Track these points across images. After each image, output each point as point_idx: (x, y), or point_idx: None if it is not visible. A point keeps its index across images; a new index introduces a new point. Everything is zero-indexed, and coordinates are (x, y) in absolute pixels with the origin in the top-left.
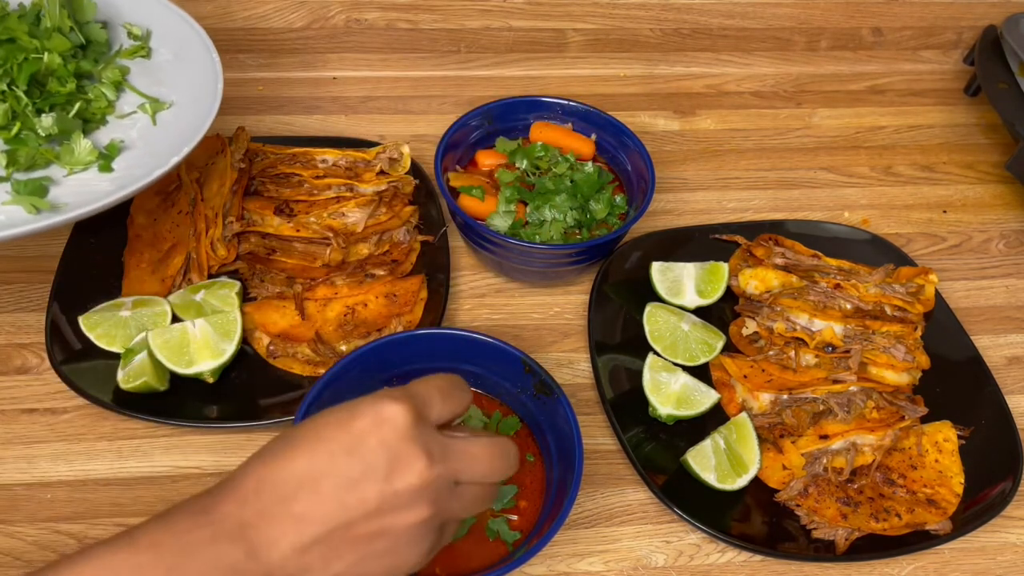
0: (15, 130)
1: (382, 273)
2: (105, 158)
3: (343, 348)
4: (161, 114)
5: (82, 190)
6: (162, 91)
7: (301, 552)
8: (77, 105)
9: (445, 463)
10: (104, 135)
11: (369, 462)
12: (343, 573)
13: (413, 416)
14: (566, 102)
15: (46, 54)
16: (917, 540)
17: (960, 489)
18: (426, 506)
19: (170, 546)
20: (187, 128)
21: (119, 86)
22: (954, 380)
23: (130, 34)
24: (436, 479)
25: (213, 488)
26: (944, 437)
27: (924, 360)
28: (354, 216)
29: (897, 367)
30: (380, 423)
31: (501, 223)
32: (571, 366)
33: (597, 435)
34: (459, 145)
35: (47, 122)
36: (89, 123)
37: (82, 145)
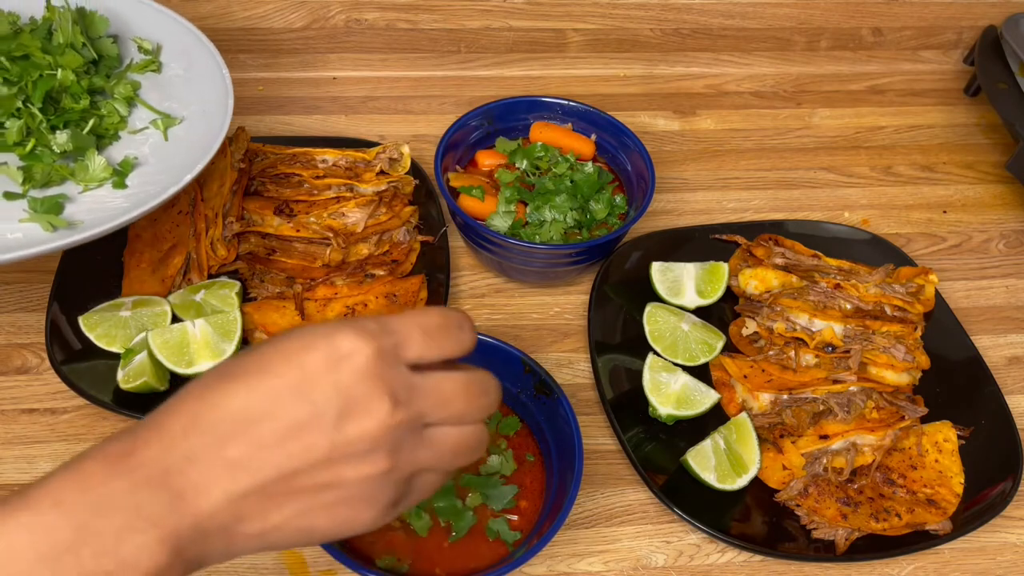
0: (30, 146)
1: (382, 273)
2: (119, 175)
3: None
4: (172, 129)
5: (97, 207)
6: (173, 106)
7: (235, 502)
8: (91, 122)
9: (410, 406)
10: (117, 151)
11: (318, 404)
12: (283, 525)
13: (375, 353)
14: (566, 102)
15: (60, 71)
16: (917, 540)
17: (960, 489)
18: (384, 456)
19: (78, 502)
20: (199, 144)
21: (131, 101)
22: (954, 380)
23: (140, 48)
24: (397, 425)
25: (133, 427)
26: (944, 437)
27: (924, 360)
28: (354, 216)
29: (897, 367)
30: (336, 359)
31: (501, 223)
32: (571, 366)
33: (597, 435)
34: (459, 145)
35: (62, 139)
36: (102, 139)
37: (96, 162)
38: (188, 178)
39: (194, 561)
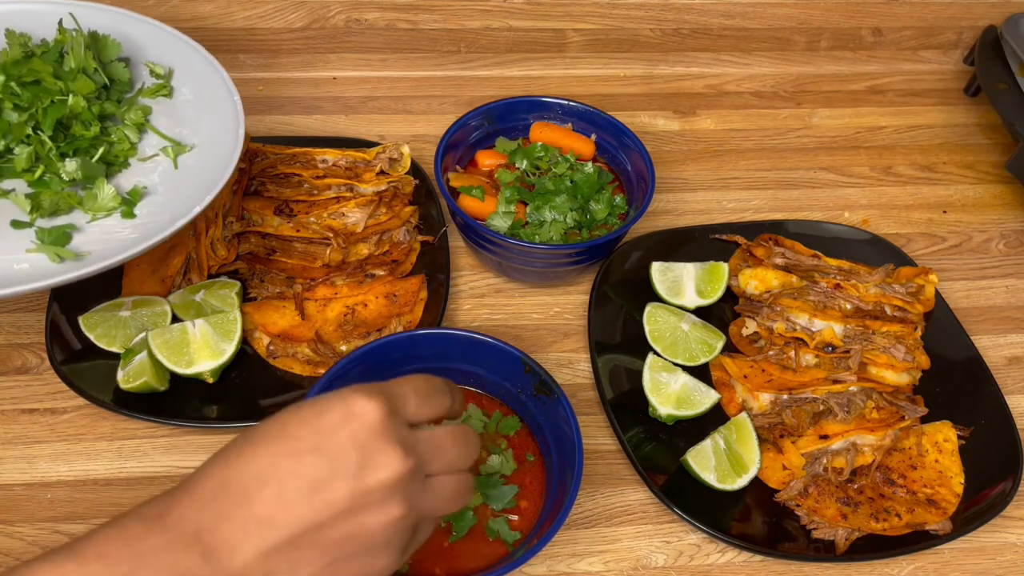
0: (39, 173)
1: (382, 273)
2: (128, 204)
3: (343, 348)
4: (182, 157)
5: (104, 237)
6: (183, 132)
7: (265, 557)
8: (101, 149)
9: (416, 457)
10: (126, 179)
11: (338, 459)
12: None
13: (385, 411)
14: (566, 102)
15: (71, 96)
16: (917, 540)
17: (960, 489)
18: (400, 503)
19: (120, 555)
20: (209, 172)
21: (141, 127)
22: (954, 380)
23: (152, 72)
24: (409, 474)
25: (169, 491)
26: (944, 437)
27: (924, 360)
28: (354, 216)
29: (897, 367)
30: (350, 418)
31: (501, 223)
32: (571, 366)
33: (597, 435)
34: (459, 145)
35: (71, 167)
36: (112, 166)
37: (106, 191)
38: (197, 210)
39: None
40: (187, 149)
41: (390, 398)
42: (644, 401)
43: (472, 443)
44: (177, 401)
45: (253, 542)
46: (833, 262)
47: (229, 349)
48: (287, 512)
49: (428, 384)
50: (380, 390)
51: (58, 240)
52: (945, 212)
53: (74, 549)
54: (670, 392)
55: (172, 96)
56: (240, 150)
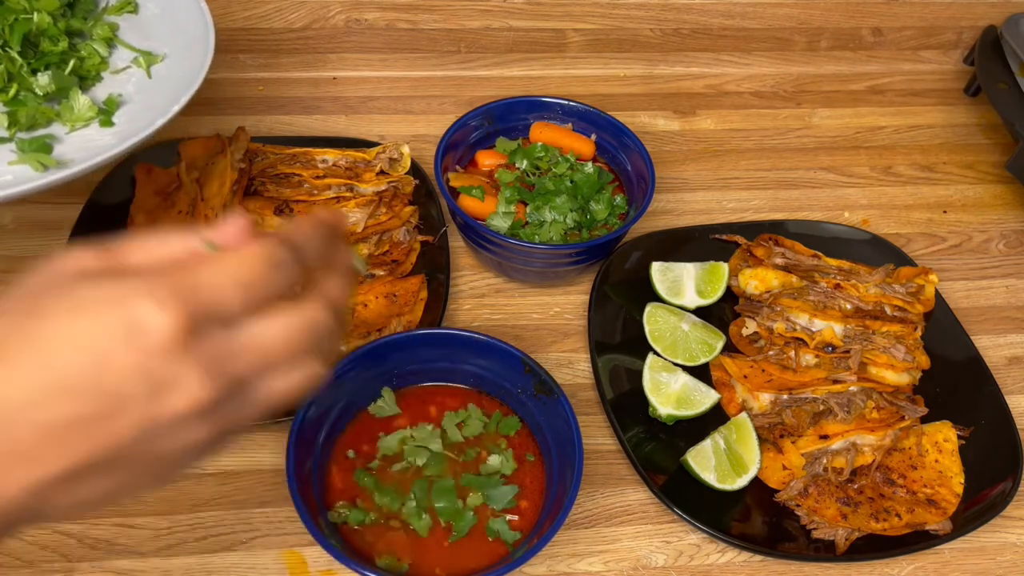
0: (13, 91)
1: (382, 273)
2: (105, 113)
3: (343, 348)
4: (155, 67)
5: (86, 146)
6: (153, 44)
7: (34, 491)
8: (71, 63)
9: (224, 374)
10: (101, 91)
11: (119, 394)
12: (97, 497)
13: (180, 326)
14: (566, 102)
15: (36, 14)
16: (917, 540)
17: (960, 489)
18: (200, 427)
19: None
20: (182, 79)
21: (110, 42)
22: (954, 380)
23: None
24: (213, 399)
25: None
26: (944, 437)
27: (924, 360)
28: (354, 216)
29: (897, 367)
30: (133, 336)
31: (501, 223)
32: (571, 366)
33: (597, 435)
34: (459, 145)
35: (43, 81)
36: (84, 80)
37: (81, 101)
38: (175, 109)
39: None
40: (159, 59)
41: (193, 301)
42: (644, 401)
43: (325, 332)
44: None
45: (16, 479)
46: (833, 262)
47: None
48: (56, 449)
49: (256, 264)
50: (180, 288)
51: (40, 148)
52: (945, 212)
53: None
54: (670, 392)
55: (138, 12)
56: (212, 55)
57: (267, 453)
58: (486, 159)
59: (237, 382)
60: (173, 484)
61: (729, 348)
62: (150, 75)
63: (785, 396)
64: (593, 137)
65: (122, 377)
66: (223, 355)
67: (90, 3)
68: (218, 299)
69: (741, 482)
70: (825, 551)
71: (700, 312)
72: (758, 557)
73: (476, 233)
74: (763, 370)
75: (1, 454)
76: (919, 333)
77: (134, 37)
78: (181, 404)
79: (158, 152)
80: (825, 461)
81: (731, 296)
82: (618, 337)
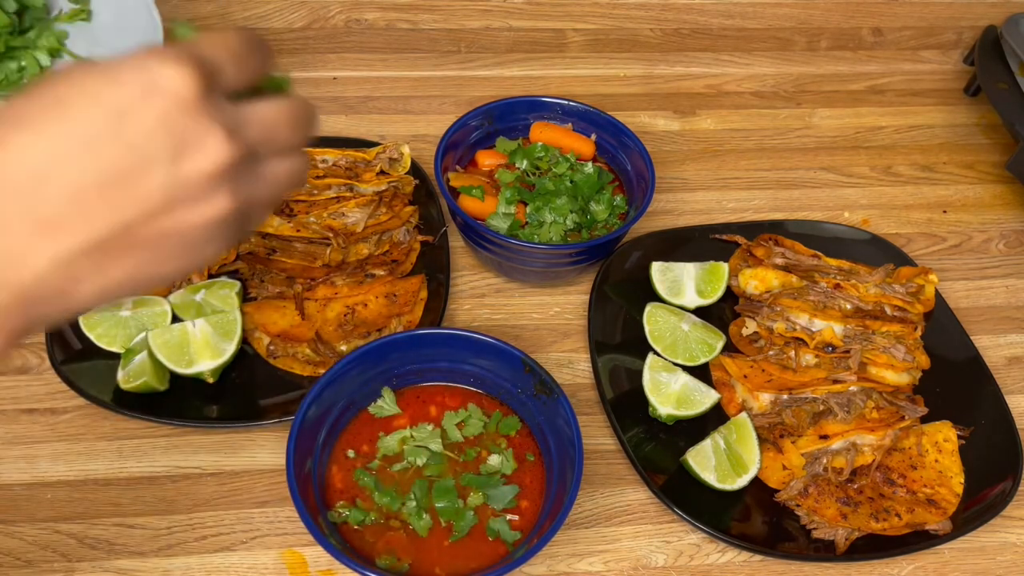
0: None
1: (382, 273)
2: None
3: (343, 348)
4: None
5: None
6: (101, 52)
7: (63, 265)
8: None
9: (242, 139)
10: None
11: (144, 148)
12: (125, 279)
13: (200, 82)
14: (566, 102)
15: None
16: (917, 540)
17: (960, 489)
18: (226, 194)
19: None
20: None
21: (56, 52)
22: (954, 380)
23: None
24: (235, 159)
25: None
26: (944, 437)
27: (924, 360)
28: (354, 216)
29: (897, 367)
30: (154, 93)
31: (501, 223)
32: (571, 366)
33: (597, 435)
34: (459, 145)
35: None
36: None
37: None
38: None
39: (25, 328)
40: None
41: (203, 64)
42: (644, 401)
43: (308, 118)
44: (177, 401)
45: (44, 250)
46: (833, 262)
47: (229, 349)
48: (84, 214)
49: (242, 39)
50: (190, 53)
51: None
52: (945, 212)
53: None
54: (670, 392)
55: (91, 20)
56: None
57: (267, 453)
58: (486, 159)
59: (251, 149)
60: (197, 267)
61: (729, 348)
62: None
63: (785, 396)
64: (593, 137)
65: (146, 132)
66: (237, 120)
67: (41, 11)
68: (218, 65)
69: (741, 482)
70: (825, 551)
71: (700, 312)
72: (758, 557)
73: (476, 233)
74: (763, 370)
75: (28, 223)
76: (919, 333)
77: (84, 44)
78: (205, 162)
79: None
80: (825, 461)
81: (731, 296)
82: (618, 337)
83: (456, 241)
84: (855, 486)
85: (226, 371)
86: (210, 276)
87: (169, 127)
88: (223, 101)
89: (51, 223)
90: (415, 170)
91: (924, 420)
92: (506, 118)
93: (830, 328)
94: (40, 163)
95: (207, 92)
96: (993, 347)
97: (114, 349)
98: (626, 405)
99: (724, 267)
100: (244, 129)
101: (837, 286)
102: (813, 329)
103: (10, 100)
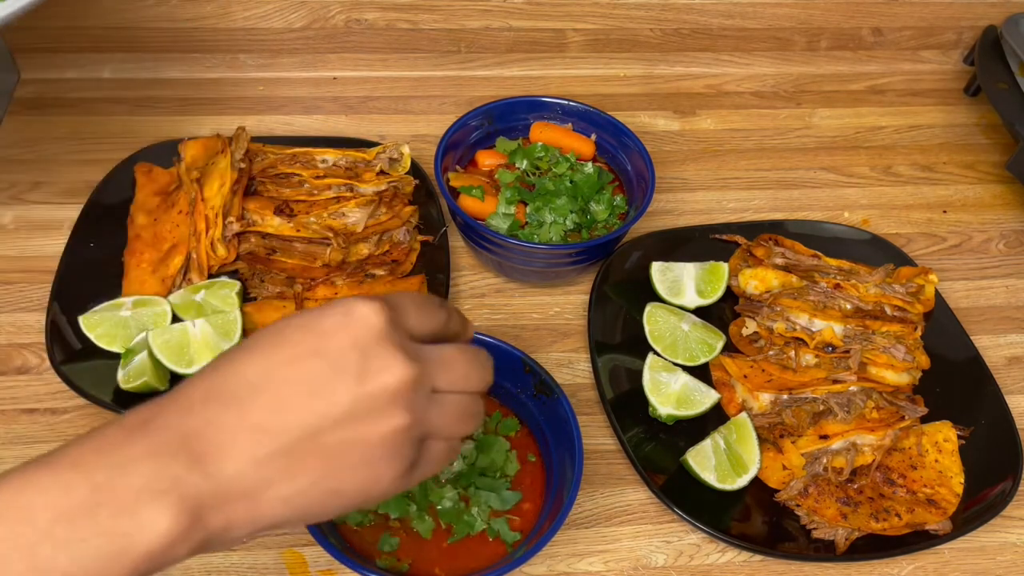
0: None
1: (382, 273)
2: None
3: None
4: None
5: None
6: None
7: (259, 464)
8: None
9: (421, 366)
10: None
11: (338, 362)
12: (310, 488)
13: (387, 317)
14: (566, 102)
15: None
16: (917, 540)
17: (960, 489)
18: (404, 412)
19: (97, 463)
20: None
21: None
22: (954, 380)
23: None
24: (414, 381)
25: (153, 400)
26: (944, 437)
27: (924, 360)
28: (354, 216)
29: (897, 367)
30: (350, 322)
31: (501, 223)
32: (571, 366)
33: (597, 435)
34: (459, 145)
35: None
36: None
37: None
38: None
39: (218, 531)
40: None
41: (393, 306)
42: (644, 401)
43: (484, 366)
44: None
45: (246, 448)
46: (833, 262)
47: None
48: (283, 418)
49: (424, 298)
50: (382, 298)
51: None
52: (945, 212)
53: (49, 459)
54: (670, 392)
55: None
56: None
57: None
58: (486, 159)
59: (428, 377)
60: (374, 492)
61: (729, 348)
62: None
63: (785, 396)
64: (593, 137)
65: (340, 350)
66: (417, 351)
67: None
68: (404, 310)
69: (741, 482)
70: (825, 551)
71: (700, 312)
72: (758, 557)
73: (476, 233)
74: (763, 370)
75: (238, 425)
76: (919, 333)
77: None
78: (388, 379)
79: (158, 152)
80: (825, 461)
81: (731, 296)
82: (618, 337)
83: (456, 241)
84: (855, 486)
85: None
86: (210, 276)
87: (360, 348)
88: (406, 336)
89: (255, 425)
90: (415, 170)
91: (924, 420)
92: (506, 118)
93: (830, 328)
94: (255, 376)
95: (394, 326)
96: (993, 347)
97: (114, 349)
98: (626, 405)
99: (724, 267)
100: (425, 360)
101: (837, 286)
102: (813, 329)
103: (243, 340)
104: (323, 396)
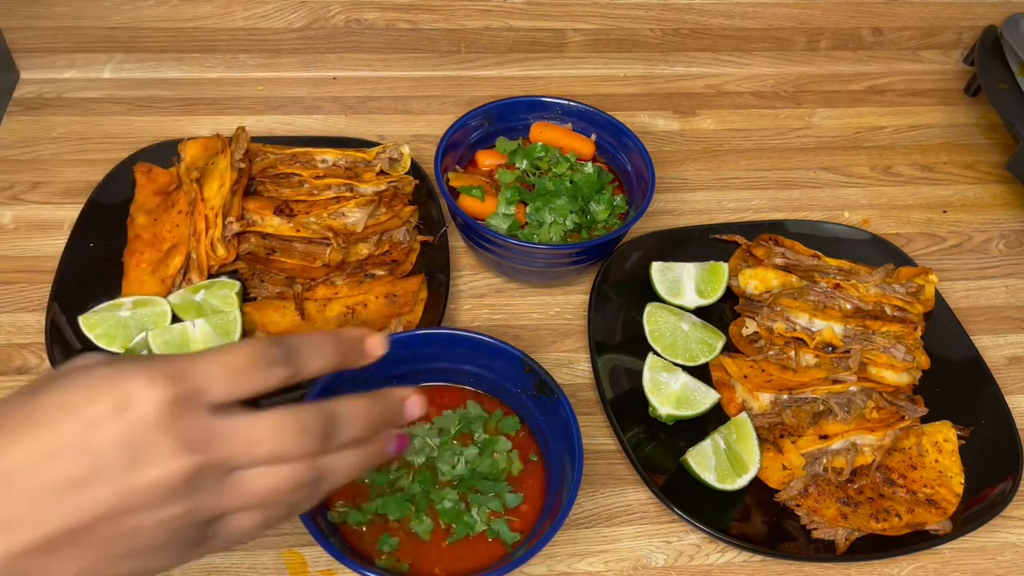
0: None
1: (382, 273)
2: None
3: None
4: None
5: None
6: None
7: (14, 559)
8: None
9: (207, 453)
10: None
11: (100, 459)
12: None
13: (168, 399)
14: (566, 102)
15: None
16: (917, 540)
17: (960, 489)
18: (179, 502)
19: None
20: None
21: None
22: (954, 380)
23: None
24: (192, 472)
25: None
26: (944, 437)
27: (924, 360)
28: (354, 216)
29: (897, 367)
30: (122, 408)
31: (501, 223)
32: (571, 366)
33: (597, 435)
34: (459, 145)
35: None
36: None
37: None
38: None
39: None
40: None
41: (182, 379)
42: (644, 401)
43: (311, 430)
44: None
45: (0, 543)
46: (833, 262)
47: None
48: (39, 513)
49: (247, 357)
50: (171, 370)
51: None
52: (945, 212)
53: None
54: (670, 392)
55: None
56: None
57: None
58: (486, 159)
59: (219, 461)
60: (156, 570)
61: (729, 348)
62: None
63: (785, 396)
64: (593, 137)
65: (106, 444)
66: (204, 436)
67: None
68: (204, 381)
69: (741, 482)
70: (825, 551)
71: (700, 312)
72: (758, 557)
73: (476, 233)
74: (763, 370)
75: None
76: (919, 333)
77: None
78: (155, 474)
79: (158, 152)
80: (825, 461)
81: (731, 296)
82: (618, 337)
83: (456, 241)
84: (855, 486)
85: None
86: (210, 276)
87: (127, 441)
88: (198, 416)
89: (8, 520)
90: (415, 170)
91: (924, 420)
92: (506, 118)
93: (830, 328)
94: (10, 467)
95: (177, 407)
96: (993, 347)
97: (114, 349)
98: (626, 405)
99: (724, 267)
100: (216, 443)
101: (837, 286)
102: (813, 329)
103: (5, 405)
104: (82, 493)
